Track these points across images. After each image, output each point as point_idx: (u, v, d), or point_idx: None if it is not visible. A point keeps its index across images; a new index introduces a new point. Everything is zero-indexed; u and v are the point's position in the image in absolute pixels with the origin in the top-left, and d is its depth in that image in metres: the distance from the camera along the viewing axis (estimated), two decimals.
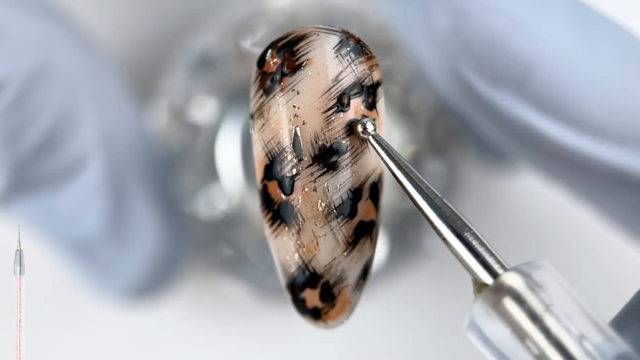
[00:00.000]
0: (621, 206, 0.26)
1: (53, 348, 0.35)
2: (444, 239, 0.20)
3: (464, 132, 0.31)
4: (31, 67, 0.26)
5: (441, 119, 0.32)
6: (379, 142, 0.21)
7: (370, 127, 0.21)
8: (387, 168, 0.21)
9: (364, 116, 0.21)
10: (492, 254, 0.20)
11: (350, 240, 0.22)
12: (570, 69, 0.24)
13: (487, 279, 0.20)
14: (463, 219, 0.20)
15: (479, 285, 0.20)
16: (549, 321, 0.19)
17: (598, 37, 0.24)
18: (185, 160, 0.32)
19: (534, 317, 0.19)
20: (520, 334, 0.19)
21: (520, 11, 0.24)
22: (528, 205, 0.35)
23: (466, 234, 0.20)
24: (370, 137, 0.21)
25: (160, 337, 0.35)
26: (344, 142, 0.21)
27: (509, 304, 0.19)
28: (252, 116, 0.22)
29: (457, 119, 0.31)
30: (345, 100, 0.21)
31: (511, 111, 0.25)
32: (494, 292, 0.19)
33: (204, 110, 0.32)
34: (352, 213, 0.22)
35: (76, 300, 0.35)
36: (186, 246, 0.32)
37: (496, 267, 0.20)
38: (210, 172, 0.32)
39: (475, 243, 0.20)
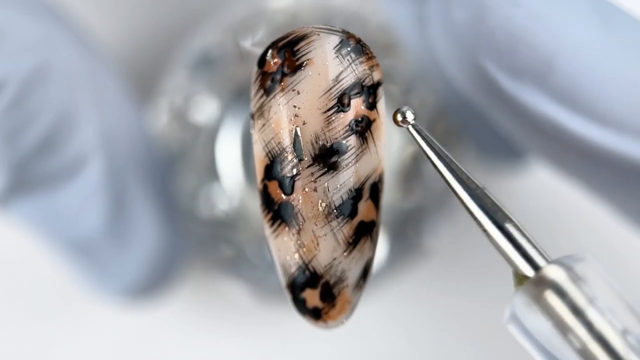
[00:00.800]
0: (635, 201, 0.26)
1: (52, 348, 0.35)
2: (484, 231, 0.20)
3: (465, 132, 0.31)
4: (31, 67, 0.26)
5: (441, 119, 0.32)
6: (419, 131, 0.21)
7: (410, 116, 0.21)
8: (427, 158, 0.21)
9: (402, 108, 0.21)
10: (534, 246, 0.20)
11: (350, 241, 0.22)
12: (591, 62, 0.24)
13: (529, 271, 0.19)
14: (504, 210, 0.20)
15: (520, 278, 0.20)
16: (592, 315, 0.18)
17: (619, 31, 0.24)
18: (185, 161, 0.32)
19: (577, 311, 0.18)
20: (563, 328, 0.19)
21: (542, 4, 0.24)
22: (528, 204, 0.35)
23: (507, 226, 0.20)
24: (410, 127, 0.21)
25: (160, 337, 0.35)
26: (344, 142, 0.21)
27: (551, 297, 0.19)
28: (252, 116, 0.22)
29: (457, 118, 0.31)
30: (346, 101, 0.21)
31: (532, 104, 0.25)
32: (536, 285, 0.19)
33: (204, 110, 0.32)
34: (353, 213, 0.22)
35: (75, 299, 0.35)
36: (186, 246, 0.32)
37: (538, 259, 0.20)
38: (210, 172, 0.32)
39: (516, 235, 0.20)
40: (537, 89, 0.24)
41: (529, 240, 0.20)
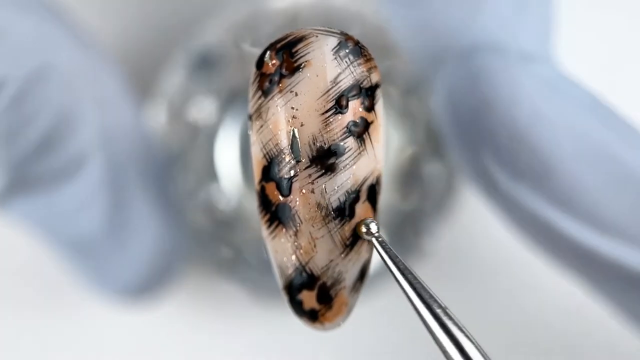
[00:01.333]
0: (632, 302, 0.26)
1: (51, 348, 0.35)
2: (444, 351, 0.20)
3: None
4: (31, 67, 0.26)
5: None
6: (382, 245, 0.21)
7: (373, 228, 0.21)
8: (389, 272, 0.21)
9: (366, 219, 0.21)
10: None
11: (347, 242, 0.22)
12: (591, 168, 0.24)
13: None
14: (466, 332, 0.20)
15: None
16: None
17: (621, 135, 0.24)
18: (184, 161, 0.32)
19: None
20: None
21: (544, 104, 0.24)
22: None
23: (468, 349, 0.20)
24: (373, 239, 0.21)
25: (158, 336, 0.35)
26: (342, 143, 0.21)
27: None
28: (250, 117, 0.22)
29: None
30: (344, 102, 0.21)
31: (529, 205, 0.25)
32: None
33: (203, 110, 0.32)
34: (350, 215, 0.22)
35: (74, 299, 0.35)
36: (184, 246, 0.32)
37: None
38: (209, 173, 0.32)
39: (476, 357, 0.19)
40: (534, 191, 0.24)
41: None
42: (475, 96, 0.25)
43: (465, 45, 0.26)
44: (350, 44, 0.21)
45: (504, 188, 0.25)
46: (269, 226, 0.22)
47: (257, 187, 0.22)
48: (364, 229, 0.21)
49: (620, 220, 0.24)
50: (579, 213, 0.24)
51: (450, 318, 0.20)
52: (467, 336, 0.20)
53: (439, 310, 0.20)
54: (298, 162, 0.21)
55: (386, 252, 0.21)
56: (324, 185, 0.21)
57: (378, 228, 0.21)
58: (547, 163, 0.24)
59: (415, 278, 0.20)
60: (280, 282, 0.22)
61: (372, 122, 0.22)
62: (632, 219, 0.24)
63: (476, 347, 0.20)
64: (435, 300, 0.20)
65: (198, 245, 0.32)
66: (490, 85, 0.24)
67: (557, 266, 0.27)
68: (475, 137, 0.25)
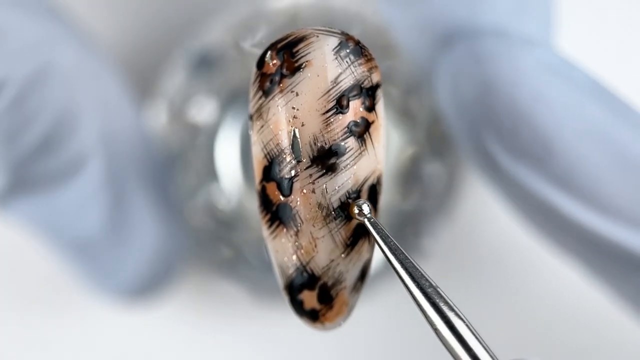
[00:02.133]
0: (632, 287, 0.26)
1: (51, 348, 0.35)
2: (435, 329, 0.20)
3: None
4: (32, 68, 0.26)
5: (441, 121, 0.32)
6: (375, 225, 0.21)
7: (366, 209, 0.21)
8: (382, 253, 0.21)
9: (359, 199, 0.21)
10: (485, 348, 0.20)
11: (348, 242, 0.22)
12: (590, 148, 0.24)
13: None
14: (456, 309, 0.20)
15: None
16: None
17: (621, 117, 0.24)
18: (185, 161, 0.32)
19: None
20: None
21: (545, 86, 0.24)
22: None
23: (458, 325, 0.20)
24: (365, 220, 0.21)
25: (158, 337, 0.35)
26: (342, 143, 0.21)
27: None
28: (251, 117, 0.22)
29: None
30: (345, 102, 0.21)
31: (529, 185, 0.25)
32: None
33: (203, 110, 0.32)
34: (351, 215, 0.22)
35: (74, 299, 0.35)
36: (185, 246, 0.32)
37: None
38: (209, 173, 0.32)
39: (466, 335, 0.20)
40: (535, 171, 0.25)
41: (480, 342, 0.20)
42: (477, 78, 0.25)
43: (468, 33, 0.26)
44: (351, 44, 0.21)
45: (505, 168, 0.25)
46: (270, 226, 0.22)
47: (257, 187, 0.22)
48: (356, 210, 0.21)
49: (620, 201, 0.24)
50: (579, 193, 0.24)
51: (442, 297, 0.20)
52: (457, 315, 0.20)
53: (430, 290, 0.20)
54: (299, 162, 0.21)
55: (378, 232, 0.21)
56: (324, 185, 0.21)
57: (370, 209, 0.21)
58: (547, 143, 0.24)
59: (407, 258, 0.21)
60: (280, 282, 0.22)
61: (372, 122, 0.22)
62: (632, 200, 0.24)
63: (467, 325, 0.20)
64: (427, 280, 0.20)
65: (198, 245, 0.32)
66: (493, 68, 0.25)
67: (558, 251, 0.27)
68: (477, 119, 0.25)
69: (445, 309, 0.20)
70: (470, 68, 0.25)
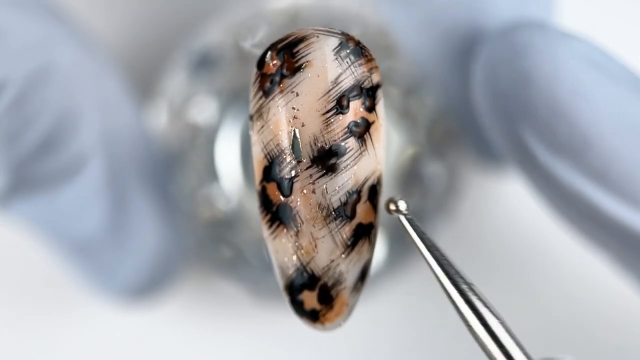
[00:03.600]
0: None
1: (52, 348, 0.35)
2: (470, 327, 0.20)
3: (464, 134, 0.31)
4: (32, 68, 0.26)
5: (441, 121, 0.32)
6: (411, 222, 0.21)
7: (402, 206, 0.21)
8: (417, 251, 0.21)
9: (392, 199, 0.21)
10: (519, 346, 0.20)
11: (348, 243, 0.22)
12: (629, 143, 0.24)
13: None
14: (491, 308, 0.20)
15: None
16: None
17: None
18: (185, 161, 0.32)
19: None
20: None
21: (584, 79, 0.24)
22: (527, 206, 0.35)
23: (493, 324, 0.20)
24: (401, 217, 0.21)
25: (159, 337, 0.35)
26: (343, 144, 0.21)
27: None
28: (251, 117, 0.22)
29: (457, 120, 0.31)
30: (345, 103, 0.21)
31: (566, 179, 0.25)
32: None
33: (203, 110, 0.32)
34: (351, 215, 0.22)
35: (75, 299, 0.35)
36: (185, 246, 0.32)
37: None
38: (209, 173, 0.32)
39: (502, 334, 0.20)
40: (572, 166, 0.24)
41: (515, 341, 0.20)
42: (516, 70, 0.25)
43: (506, 25, 0.26)
44: (351, 44, 0.21)
45: (541, 162, 0.25)
46: (270, 226, 0.22)
47: (258, 187, 0.22)
48: (392, 207, 0.21)
49: None
50: (616, 188, 0.24)
51: (476, 294, 0.20)
52: (492, 312, 0.20)
53: (464, 286, 0.20)
54: (299, 162, 0.21)
55: (414, 229, 0.21)
56: (325, 186, 0.21)
57: (407, 206, 0.21)
58: (586, 137, 0.24)
59: (443, 255, 0.21)
60: (281, 283, 0.22)
61: (373, 123, 0.22)
62: None
63: (501, 323, 0.20)
64: (462, 277, 0.20)
65: (198, 246, 0.32)
66: (532, 60, 0.25)
67: (588, 245, 0.27)
68: (514, 111, 0.25)
69: (479, 305, 0.20)
70: (508, 60, 0.25)
